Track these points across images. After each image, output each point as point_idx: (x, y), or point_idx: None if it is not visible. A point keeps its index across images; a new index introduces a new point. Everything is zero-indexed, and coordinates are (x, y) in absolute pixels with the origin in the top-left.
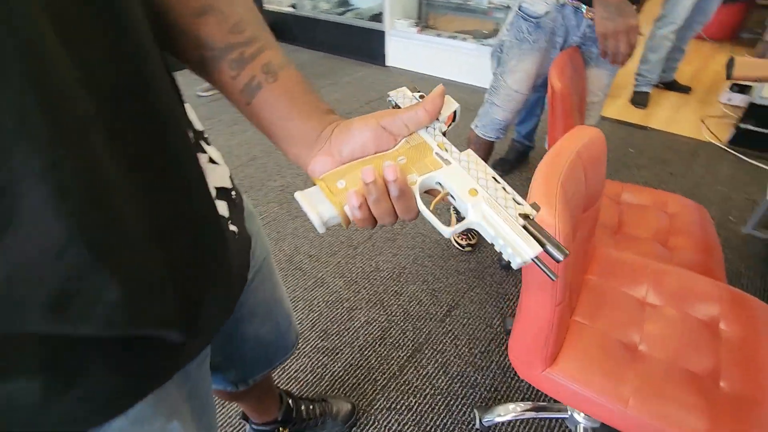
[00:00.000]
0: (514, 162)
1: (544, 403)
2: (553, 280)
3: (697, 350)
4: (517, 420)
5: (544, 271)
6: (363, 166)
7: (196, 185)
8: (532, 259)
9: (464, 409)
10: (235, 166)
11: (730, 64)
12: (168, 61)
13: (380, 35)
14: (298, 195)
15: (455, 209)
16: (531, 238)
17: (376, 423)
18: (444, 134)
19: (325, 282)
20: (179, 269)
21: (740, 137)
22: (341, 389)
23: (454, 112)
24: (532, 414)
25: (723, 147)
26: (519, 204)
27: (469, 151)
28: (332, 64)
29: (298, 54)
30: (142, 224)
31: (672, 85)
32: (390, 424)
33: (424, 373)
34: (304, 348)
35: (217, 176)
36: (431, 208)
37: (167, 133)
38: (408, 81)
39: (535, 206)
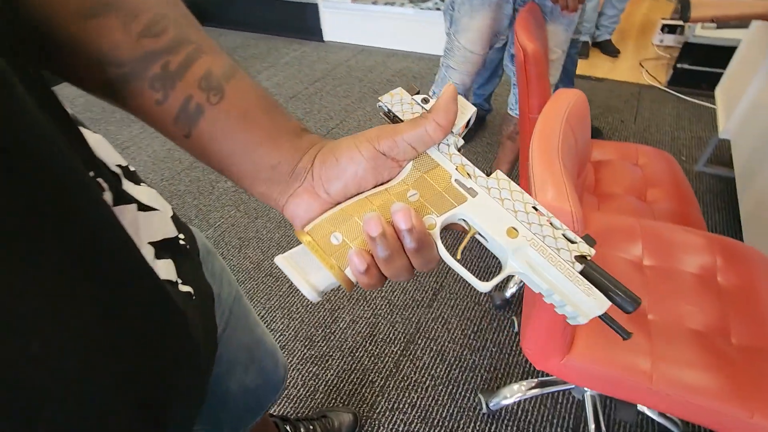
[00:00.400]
0: (474, 128)
1: (549, 378)
2: (625, 339)
3: (703, 309)
4: (524, 399)
5: (615, 330)
6: (363, 210)
7: (125, 268)
8: (599, 316)
9: (468, 394)
10: (178, 171)
11: (685, 6)
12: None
13: (314, 8)
14: (279, 260)
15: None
16: (594, 288)
17: (382, 427)
18: (460, 150)
19: None
20: (125, 389)
21: (678, 77)
22: (339, 399)
23: (468, 120)
24: (538, 391)
25: (664, 89)
26: (572, 242)
27: (499, 173)
28: (267, 45)
29: (228, 37)
30: (49, 350)
31: (605, 46)
32: (396, 426)
33: (420, 364)
34: (290, 361)
35: (154, 227)
36: (458, 257)
37: (65, 205)
38: (349, 55)
39: (590, 240)
